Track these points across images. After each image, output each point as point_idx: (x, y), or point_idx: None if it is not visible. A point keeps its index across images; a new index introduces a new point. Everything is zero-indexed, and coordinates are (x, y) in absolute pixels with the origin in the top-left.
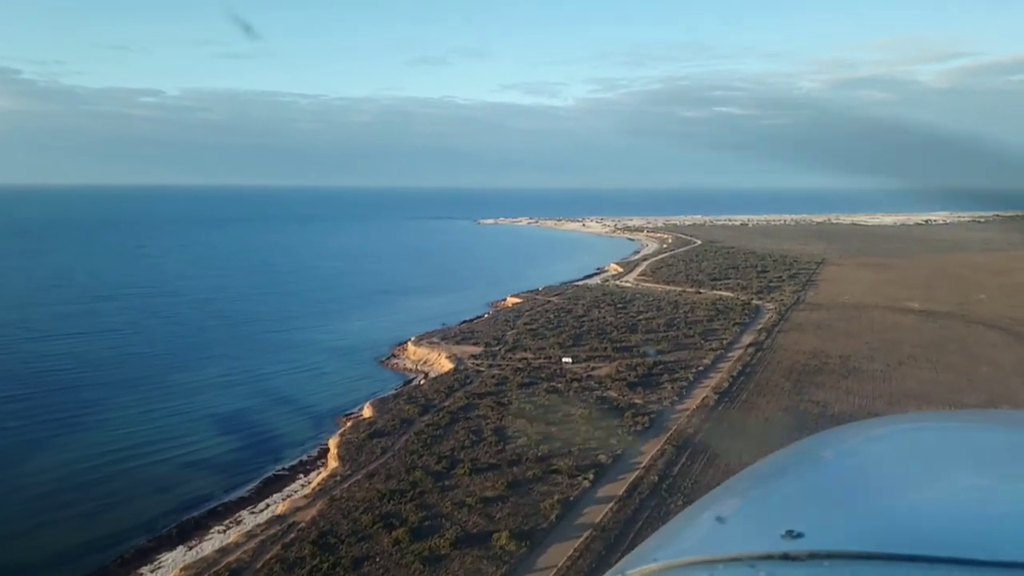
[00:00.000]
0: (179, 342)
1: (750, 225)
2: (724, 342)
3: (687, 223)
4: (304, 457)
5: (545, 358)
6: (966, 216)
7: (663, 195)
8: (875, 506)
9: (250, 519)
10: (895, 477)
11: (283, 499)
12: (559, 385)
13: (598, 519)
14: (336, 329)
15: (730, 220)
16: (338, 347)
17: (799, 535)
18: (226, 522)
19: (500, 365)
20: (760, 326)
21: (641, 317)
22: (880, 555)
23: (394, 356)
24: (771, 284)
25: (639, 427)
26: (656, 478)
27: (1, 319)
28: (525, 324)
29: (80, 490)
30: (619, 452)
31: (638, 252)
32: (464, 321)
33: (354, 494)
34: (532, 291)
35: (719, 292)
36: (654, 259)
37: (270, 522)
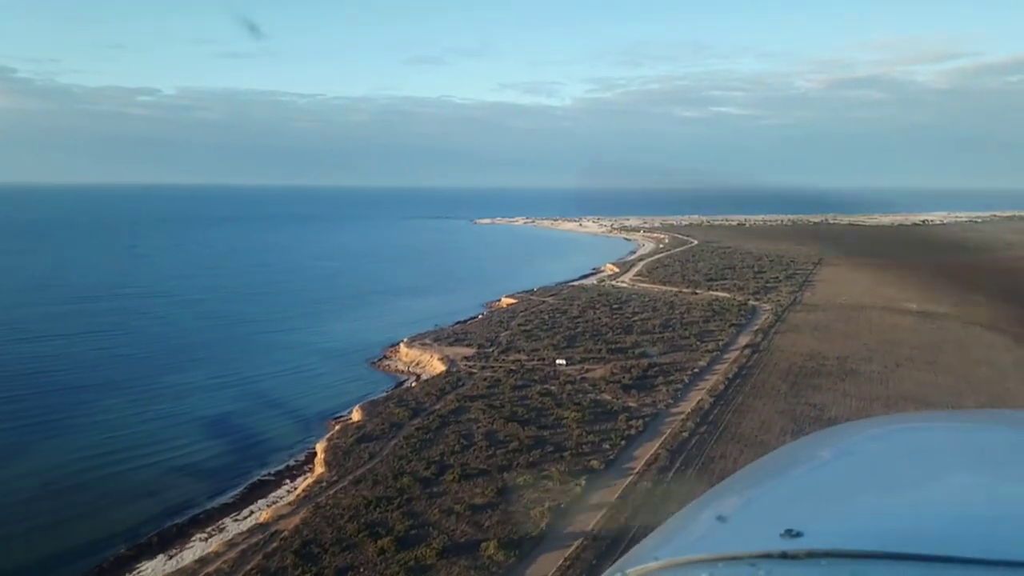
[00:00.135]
0: (168, 343)
1: (747, 225)
2: (720, 343)
3: (684, 223)
4: (291, 462)
5: (539, 360)
6: (963, 216)
7: (661, 195)
8: (874, 505)
9: (233, 527)
10: (894, 476)
11: (267, 506)
12: (552, 387)
13: (590, 527)
14: (329, 330)
15: (727, 220)
16: (330, 348)
17: (798, 534)
18: (208, 529)
19: (493, 367)
20: (756, 327)
21: (637, 318)
22: (879, 554)
23: (386, 358)
24: (768, 285)
25: (633, 431)
26: (649, 484)
27: None
28: (519, 325)
29: (61, 496)
30: (612, 457)
31: (634, 252)
32: (458, 322)
33: (340, 501)
34: (527, 291)
35: (715, 293)
36: (650, 259)
37: (252, 530)
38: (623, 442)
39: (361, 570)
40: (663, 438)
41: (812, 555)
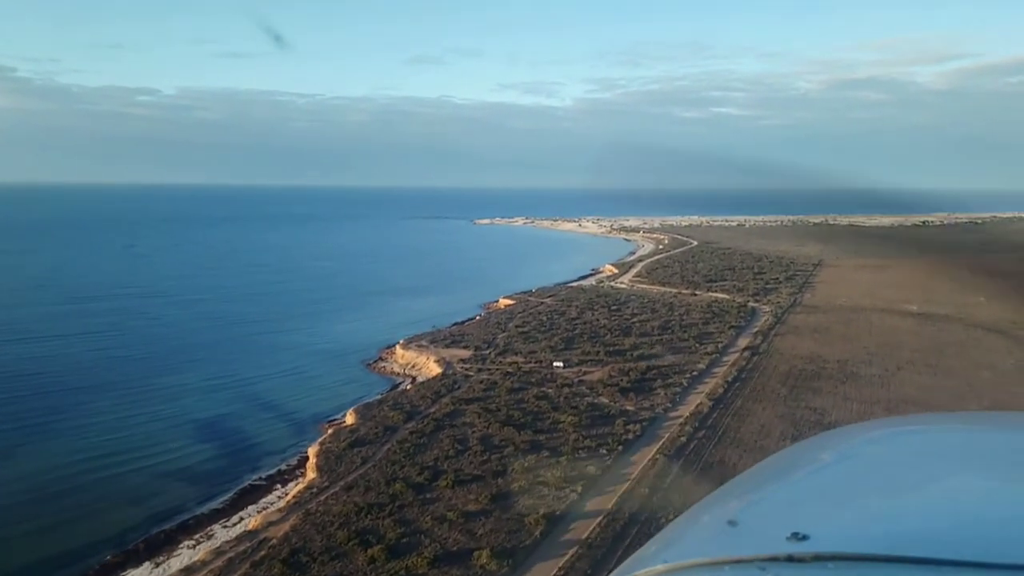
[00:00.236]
0: (164, 344)
1: (747, 226)
2: (719, 346)
3: (683, 223)
4: (283, 466)
5: (536, 362)
6: (964, 217)
7: (660, 195)
8: (880, 508)
9: (222, 533)
10: (900, 479)
11: (258, 512)
12: (549, 391)
13: (585, 535)
14: (325, 331)
15: (727, 221)
16: (326, 350)
17: (804, 537)
18: (196, 536)
19: (489, 369)
20: (756, 329)
21: (635, 320)
22: (885, 557)
23: (382, 359)
24: (767, 286)
25: (631, 435)
26: (647, 490)
27: None
28: (517, 327)
29: (48, 501)
30: (609, 462)
31: (634, 253)
32: (455, 323)
33: (330, 508)
34: (525, 292)
35: (715, 294)
36: (650, 260)
37: (240, 538)
38: (620, 447)
39: None
40: (661, 443)
41: (819, 558)
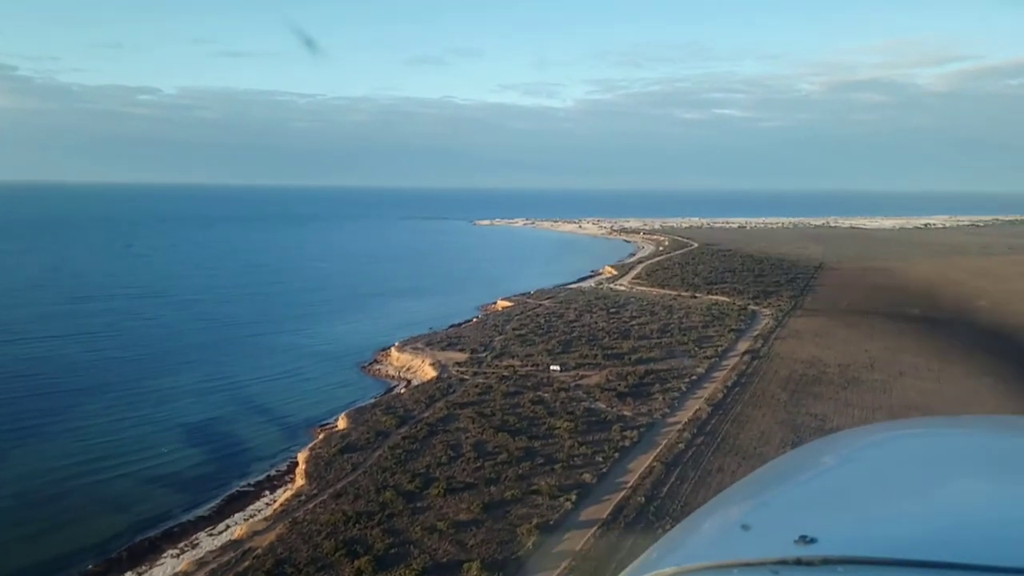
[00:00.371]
0: (157, 346)
1: (748, 228)
2: (719, 349)
3: (684, 225)
4: (272, 472)
5: (533, 365)
6: (965, 220)
7: (661, 196)
8: (888, 511)
9: (207, 542)
10: (907, 481)
11: (244, 519)
12: (545, 395)
13: (579, 546)
14: (321, 333)
15: (728, 223)
16: (321, 352)
17: (813, 540)
18: (181, 544)
19: (485, 373)
20: (756, 333)
21: (634, 322)
22: (894, 561)
23: (377, 362)
24: (768, 289)
25: (627, 442)
26: (643, 499)
27: None
28: (514, 329)
29: (31, 507)
30: (605, 470)
31: (633, 255)
32: (452, 325)
33: (318, 516)
34: (523, 294)
35: (715, 297)
36: (649, 262)
37: (225, 547)
38: (617, 454)
39: None
40: (658, 450)
41: (828, 561)
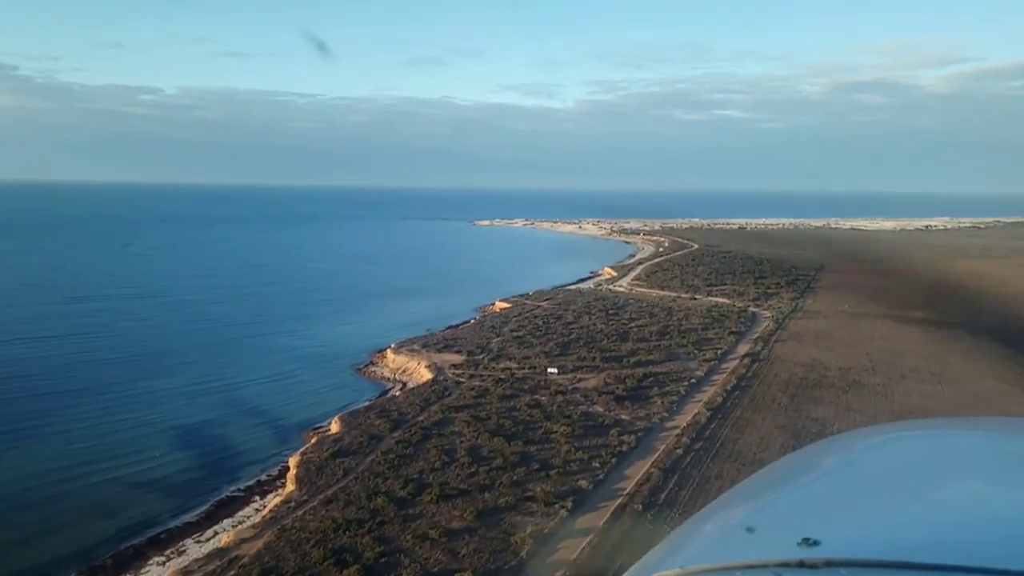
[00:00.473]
0: (152, 347)
1: (748, 229)
2: (719, 352)
3: (684, 226)
4: (263, 477)
5: (530, 368)
6: (966, 222)
7: (661, 197)
8: (891, 513)
9: (194, 549)
10: (910, 483)
11: (233, 526)
12: (542, 398)
13: (573, 556)
14: (318, 334)
15: (728, 224)
16: (317, 353)
17: (815, 543)
18: (167, 552)
19: (482, 376)
20: (756, 335)
21: (633, 324)
22: (897, 563)
23: (372, 364)
24: (768, 291)
25: (625, 447)
26: (640, 507)
27: None
28: (512, 331)
29: (16, 513)
30: (601, 476)
31: (633, 256)
32: (449, 326)
33: (307, 523)
34: (522, 295)
35: (715, 298)
36: (649, 263)
37: (211, 555)
38: (614, 460)
39: None
40: (656, 455)
41: (830, 564)
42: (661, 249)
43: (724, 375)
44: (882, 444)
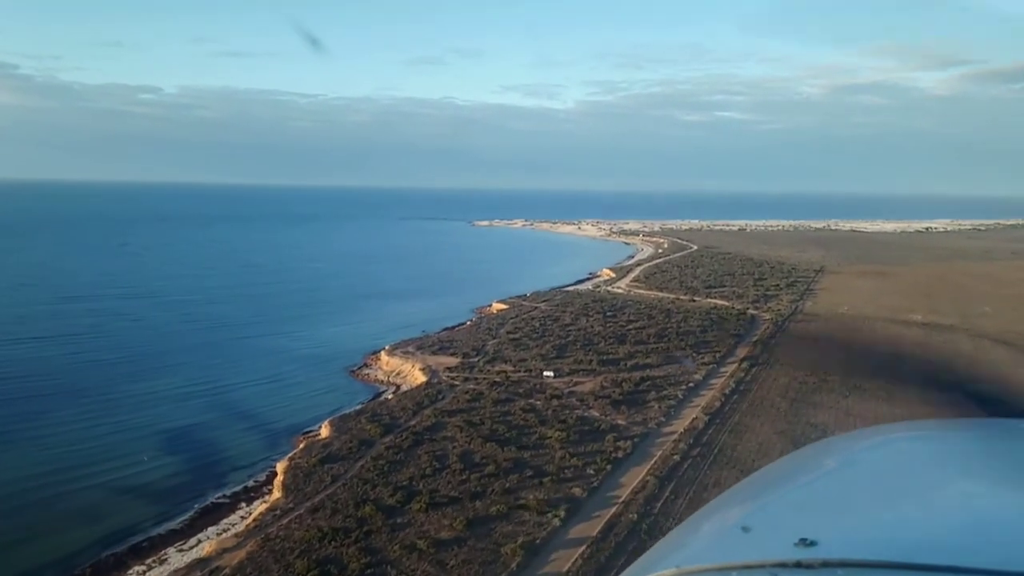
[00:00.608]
0: (142, 348)
1: (748, 230)
2: (717, 355)
3: (684, 227)
4: (250, 482)
5: (526, 371)
6: (966, 224)
7: (661, 198)
8: (888, 514)
9: (176, 558)
10: (906, 484)
11: (217, 534)
12: (538, 402)
13: (566, 567)
14: (313, 335)
15: (728, 225)
16: (310, 355)
17: (813, 543)
18: (149, 560)
19: (477, 379)
20: (756, 338)
21: (631, 327)
22: (894, 564)
23: (366, 366)
24: (768, 293)
25: (620, 453)
26: (635, 516)
27: None
28: (508, 333)
29: None
30: (596, 484)
31: (632, 257)
32: (445, 328)
33: (292, 532)
34: (519, 296)
35: (714, 300)
36: (648, 264)
37: (191, 566)
38: (609, 466)
39: None
40: (652, 462)
41: (828, 564)
42: (660, 250)
43: (723, 379)
44: (879, 445)
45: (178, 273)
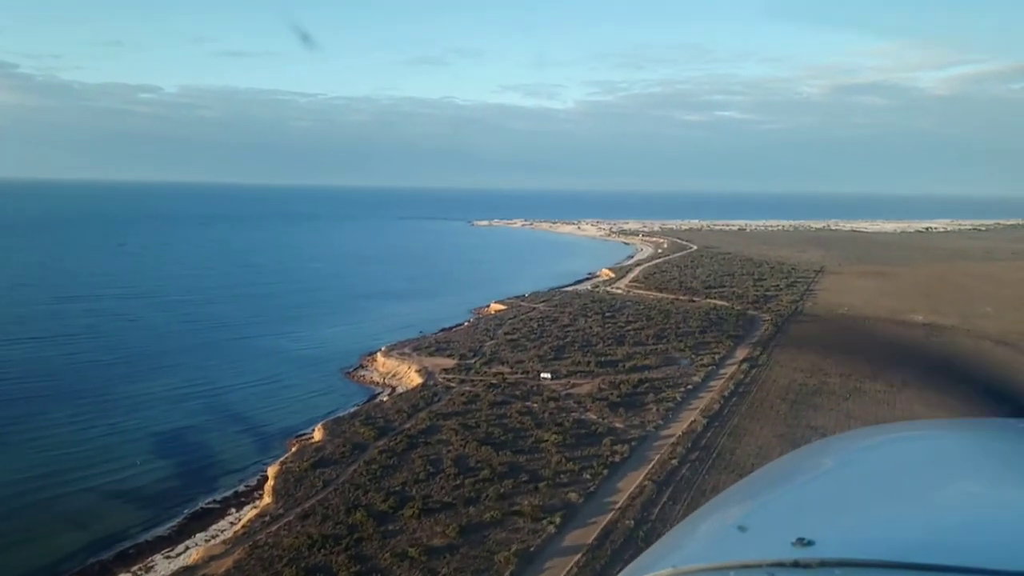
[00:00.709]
0: (137, 349)
1: (748, 230)
2: (716, 357)
3: (684, 227)
4: (241, 487)
5: (523, 373)
6: (967, 224)
7: (661, 198)
8: (886, 513)
9: (163, 565)
10: (904, 484)
11: (206, 540)
12: (534, 405)
13: None
14: (308, 336)
15: (727, 225)
16: (306, 356)
17: (810, 542)
18: (135, 568)
19: (473, 380)
20: (755, 339)
21: (630, 328)
22: (891, 564)
23: (362, 367)
24: (768, 293)
25: (617, 457)
26: (632, 523)
27: None
28: (506, 334)
29: None
30: (592, 489)
31: (632, 257)
32: (443, 329)
33: (281, 540)
34: (518, 297)
35: (713, 301)
36: (648, 264)
37: (177, 574)
38: (606, 471)
39: None
40: (650, 466)
41: (825, 564)
42: (660, 250)
43: (722, 381)
44: (877, 445)
45: (176, 273)
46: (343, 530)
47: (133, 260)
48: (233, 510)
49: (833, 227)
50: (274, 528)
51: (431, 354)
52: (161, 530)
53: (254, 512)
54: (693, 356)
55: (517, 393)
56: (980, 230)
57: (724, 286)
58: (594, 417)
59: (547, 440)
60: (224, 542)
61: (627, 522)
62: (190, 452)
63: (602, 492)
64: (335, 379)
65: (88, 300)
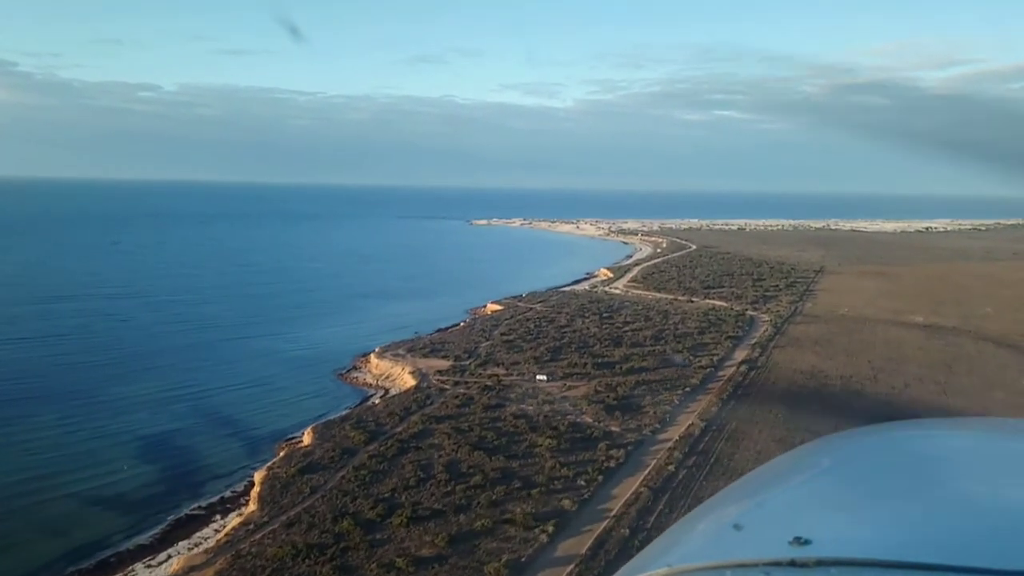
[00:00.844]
0: (127, 350)
1: (747, 230)
2: (715, 358)
3: (683, 227)
4: (227, 493)
5: (518, 375)
6: (967, 224)
7: (660, 197)
8: (882, 513)
9: (143, 575)
10: (902, 483)
11: (188, 548)
12: (529, 408)
13: None
14: (303, 336)
15: (727, 224)
16: (298, 357)
17: (807, 541)
18: None
19: (467, 383)
20: (754, 340)
21: (627, 328)
22: (888, 563)
23: (355, 369)
24: (767, 294)
25: (613, 463)
26: (627, 531)
27: None
28: (502, 335)
29: None
30: (587, 495)
31: (630, 256)
32: (438, 329)
33: (264, 549)
34: (515, 297)
35: (712, 301)
36: (646, 264)
37: None
38: (601, 477)
39: None
40: (646, 472)
41: (822, 563)
42: (659, 250)
43: (720, 383)
44: (873, 444)
45: (170, 272)
46: (329, 539)
47: (127, 259)
48: (218, 517)
49: (833, 227)
50: (258, 537)
51: (425, 355)
52: (143, 538)
53: (238, 520)
54: (691, 357)
55: (512, 396)
56: (980, 230)
57: (723, 286)
58: (590, 420)
59: (541, 444)
60: (206, 551)
61: (622, 531)
62: (177, 456)
63: (597, 499)
64: (328, 381)
65: (80, 300)
